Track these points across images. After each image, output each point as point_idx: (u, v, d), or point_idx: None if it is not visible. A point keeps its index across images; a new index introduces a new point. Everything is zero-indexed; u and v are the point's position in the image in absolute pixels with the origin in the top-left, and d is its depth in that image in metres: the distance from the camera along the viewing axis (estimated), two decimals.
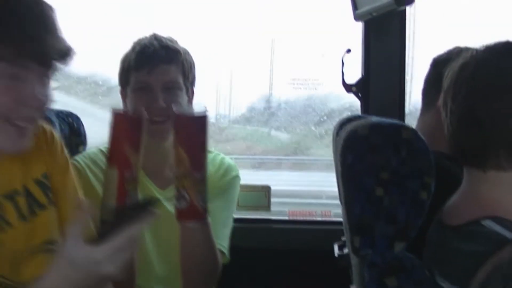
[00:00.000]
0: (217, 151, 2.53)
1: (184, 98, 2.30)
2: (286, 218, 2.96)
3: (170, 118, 2.22)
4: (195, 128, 1.83)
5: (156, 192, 2.32)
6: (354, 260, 1.75)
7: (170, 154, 2.29)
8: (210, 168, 2.36)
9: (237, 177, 2.44)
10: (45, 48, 1.53)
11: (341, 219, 2.42)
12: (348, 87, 2.70)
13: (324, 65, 2.84)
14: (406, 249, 1.60)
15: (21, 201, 1.66)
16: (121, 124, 1.78)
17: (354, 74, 2.70)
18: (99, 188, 2.23)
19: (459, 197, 1.62)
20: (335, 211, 2.92)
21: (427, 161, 1.60)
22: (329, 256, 2.30)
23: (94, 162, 2.32)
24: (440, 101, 1.65)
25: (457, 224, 1.54)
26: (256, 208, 2.82)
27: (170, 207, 2.25)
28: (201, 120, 1.84)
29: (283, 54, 2.94)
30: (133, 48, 2.31)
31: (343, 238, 2.31)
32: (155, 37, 2.31)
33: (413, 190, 1.58)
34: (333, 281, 2.10)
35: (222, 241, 2.26)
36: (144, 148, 2.24)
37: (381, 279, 1.55)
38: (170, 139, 2.22)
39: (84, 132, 2.42)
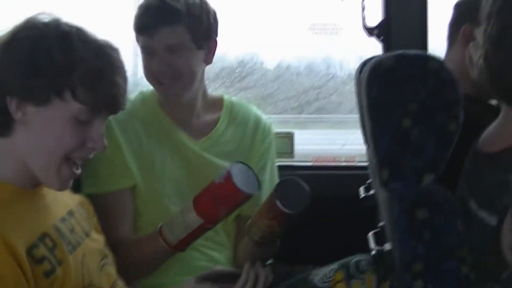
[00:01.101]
0: (244, 100, 2.54)
1: (193, 57, 2.27)
2: (310, 164, 2.94)
3: (178, 81, 2.22)
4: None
5: (190, 143, 2.32)
6: (382, 196, 1.72)
7: (195, 107, 2.31)
8: (245, 125, 2.38)
9: (273, 137, 2.46)
10: (122, 96, 1.63)
11: (365, 164, 2.41)
12: (369, 31, 2.67)
13: (344, 9, 2.81)
14: (436, 182, 1.57)
15: (78, 218, 1.77)
16: (231, 193, 1.99)
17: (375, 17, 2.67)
18: (124, 142, 2.24)
19: (494, 127, 1.60)
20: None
21: (455, 92, 1.56)
22: (354, 201, 2.28)
23: (123, 114, 2.30)
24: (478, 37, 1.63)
25: (492, 152, 1.52)
26: (280, 154, 2.80)
27: (205, 156, 2.27)
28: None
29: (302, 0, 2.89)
30: (139, 7, 2.26)
31: (369, 181, 2.29)
32: None
33: (441, 121, 1.54)
34: (359, 226, 2.08)
35: None
36: (171, 104, 2.28)
37: (411, 211, 1.52)
38: (187, 94, 2.24)
39: None
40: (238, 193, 1.99)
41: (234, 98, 2.50)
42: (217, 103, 2.43)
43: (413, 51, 1.62)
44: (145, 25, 2.22)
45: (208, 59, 2.33)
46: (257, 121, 2.43)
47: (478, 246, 1.51)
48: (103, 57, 1.60)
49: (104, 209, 2.03)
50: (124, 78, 1.65)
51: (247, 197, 2.02)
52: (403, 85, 1.55)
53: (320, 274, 2.07)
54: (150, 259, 2.15)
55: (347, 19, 2.81)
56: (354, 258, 2.05)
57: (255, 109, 2.49)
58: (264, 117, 2.49)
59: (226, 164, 2.27)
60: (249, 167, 2.07)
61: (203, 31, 2.27)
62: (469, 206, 1.54)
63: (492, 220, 1.44)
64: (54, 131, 1.58)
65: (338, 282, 1.99)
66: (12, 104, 1.56)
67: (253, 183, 2.05)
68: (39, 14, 1.62)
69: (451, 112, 1.55)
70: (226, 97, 2.47)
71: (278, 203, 2.04)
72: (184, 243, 2.09)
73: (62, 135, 1.58)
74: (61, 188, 1.66)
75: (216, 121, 2.39)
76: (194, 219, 2.04)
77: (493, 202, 1.46)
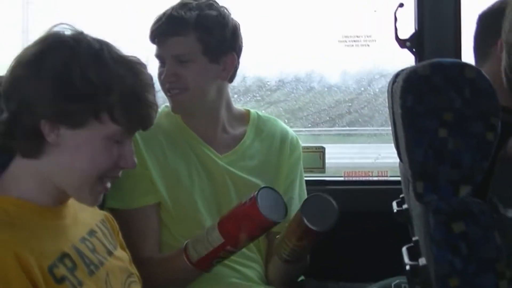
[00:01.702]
0: (270, 115, 2.52)
1: (201, 69, 2.24)
2: (341, 178, 2.91)
3: (184, 92, 2.21)
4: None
5: (215, 157, 2.30)
6: (416, 209, 1.68)
7: (219, 121, 2.29)
8: (271, 139, 2.36)
9: (300, 152, 2.43)
10: (155, 114, 1.63)
11: (398, 179, 2.36)
12: (402, 42, 2.65)
13: (377, 21, 2.78)
14: (472, 194, 1.52)
15: (101, 237, 1.74)
16: (254, 217, 1.97)
17: (408, 29, 2.65)
18: (148, 157, 2.22)
19: None
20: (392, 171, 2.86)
21: (492, 101, 1.52)
22: (386, 216, 2.24)
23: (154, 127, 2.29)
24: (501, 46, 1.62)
25: None
26: (310, 169, 2.77)
27: (231, 170, 2.25)
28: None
29: (334, 11, 2.87)
30: (155, 17, 2.28)
31: (402, 195, 2.25)
32: (174, 6, 2.25)
33: (479, 131, 1.50)
34: (391, 241, 2.04)
35: None
36: (197, 116, 2.26)
37: (447, 224, 1.47)
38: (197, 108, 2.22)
39: None
40: (261, 218, 1.97)
41: (260, 112, 2.47)
42: (243, 117, 2.41)
43: (448, 60, 1.58)
44: (155, 33, 2.24)
45: (224, 75, 2.28)
46: (284, 135, 2.40)
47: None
48: (137, 75, 1.58)
49: (128, 226, 2.01)
50: (155, 95, 1.63)
51: (271, 223, 1.99)
52: (439, 94, 1.51)
53: None
54: (175, 277, 2.12)
55: (380, 31, 2.78)
56: (394, 281, 2.03)
57: (281, 123, 2.47)
58: (291, 131, 2.46)
59: (252, 178, 2.25)
60: (278, 193, 2.05)
61: (216, 44, 2.24)
62: (499, 211, 1.50)
63: None
64: (89, 152, 1.56)
65: None
66: (46, 127, 1.53)
67: (280, 210, 2.02)
68: (59, 26, 1.60)
69: (489, 122, 1.50)
70: (252, 111, 2.45)
71: (305, 221, 2.01)
72: (206, 262, 2.06)
73: (97, 156, 1.57)
74: (94, 204, 1.66)
75: (242, 135, 2.37)
76: (215, 238, 2.02)
77: None
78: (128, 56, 1.61)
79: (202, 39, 2.21)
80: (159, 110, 2.32)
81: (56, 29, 1.60)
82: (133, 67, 1.59)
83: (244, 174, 2.29)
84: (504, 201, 1.49)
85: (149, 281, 1.94)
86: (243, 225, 1.99)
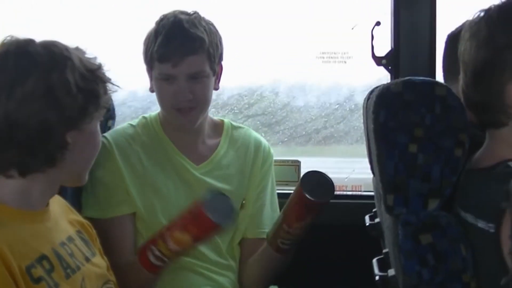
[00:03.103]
0: (240, 123, 2.55)
1: (210, 84, 2.28)
2: None
3: (196, 107, 2.24)
4: (212, 232, 2.02)
5: (191, 168, 2.32)
6: (387, 222, 1.73)
7: (201, 132, 2.32)
8: (245, 149, 2.39)
9: (272, 161, 2.46)
10: None
11: (372, 193, 2.41)
12: (378, 60, 2.69)
13: (354, 38, 2.82)
14: (440, 207, 1.57)
15: (78, 244, 1.78)
16: (202, 223, 1.96)
17: (384, 47, 2.69)
18: (124, 168, 2.25)
19: (484, 149, 1.65)
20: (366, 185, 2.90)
21: (462, 118, 1.57)
22: (360, 230, 2.28)
23: (125, 139, 2.31)
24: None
25: (486, 166, 1.56)
26: (286, 182, 2.80)
27: (207, 180, 2.28)
28: (219, 228, 2.00)
29: (312, 28, 2.91)
30: (156, 33, 2.25)
31: (374, 210, 2.29)
32: (178, 21, 2.23)
33: (448, 147, 1.56)
34: (363, 253, 2.08)
35: None
36: (179, 129, 2.29)
37: (415, 236, 1.53)
38: (200, 122, 2.26)
39: (113, 107, 2.41)
40: (205, 219, 1.96)
41: (234, 122, 2.50)
42: (217, 127, 2.44)
43: (420, 78, 1.63)
44: (168, 54, 2.20)
45: (217, 86, 2.34)
46: (257, 145, 2.44)
47: (480, 256, 1.52)
48: (95, 63, 1.68)
49: (105, 234, 2.02)
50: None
51: (214, 225, 1.97)
52: (410, 111, 1.56)
53: None
54: (137, 281, 2.11)
55: (356, 48, 2.82)
56: None
57: (254, 132, 2.50)
58: (264, 139, 2.50)
59: (227, 187, 2.29)
60: (229, 199, 2.03)
61: (218, 57, 2.29)
62: (468, 222, 1.54)
63: (491, 228, 1.44)
64: (95, 139, 1.72)
65: None
66: (68, 138, 1.62)
67: (228, 215, 2.00)
68: (9, 38, 1.64)
69: (458, 138, 1.56)
70: (225, 120, 2.47)
71: (307, 195, 2.11)
72: (143, 254, 2.09)
73: (98, 140, 1.73)
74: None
75: (216, 145, 2.40)
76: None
77: (490, 211, 1.46)
78: (77, 48, 1.69)
79: (209, 55, 2.24)
80: (136, 121, 2.37)
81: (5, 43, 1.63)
82: (91, 59, 1.69)
83: (220, 183, 2.32)
84: (473, 212, 1.53)
85: (124, 286, 1.96)
86: (181, 217, 2.03)
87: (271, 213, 2.39)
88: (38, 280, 1.53)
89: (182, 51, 2.20)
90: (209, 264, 2.22)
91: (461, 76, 1.65)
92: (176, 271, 2.19)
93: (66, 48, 1.64)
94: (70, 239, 1.74)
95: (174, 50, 2.20)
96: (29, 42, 1.61)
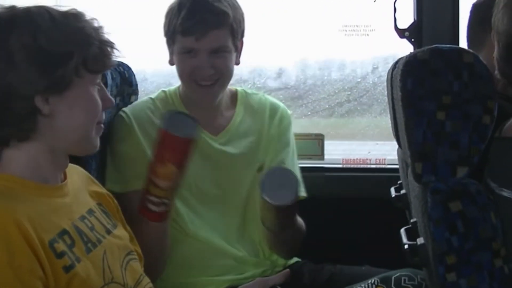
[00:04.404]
0: (256, 91, 2.55)
1: (231, 59, 2.29)
2: (339, 165, 2.94)
3: (217, 82, 2.23)
4: (186, 148, 1.95)
5: (210, 140, 2.33)
6: (415, 191, 1.72)
7: (220, 105, 2.32)
8: (262, 113, 2.39)
9: (291, 121, 2.45)
10: (113, 53, 1.70)
11: (395, 167, 2.40)
12: (401, 32, 2.68)
13: (376, 10, 2.81)
14: (468, 176, 1.57)
15: (99, 216, 1.78)
16: (173, 144, 1.93)
17: (407, 19, 2.68)
18: (145, 141, 2.25)
19: None
20: (390, 158, 2.90)
21: (489, 85, 1.56)
22: (384, 203, 2.28)
23: (144, 113, 2.32)
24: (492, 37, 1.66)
25: None
26: (309, 156, 2.81)
27: (225, 149, 2.28)
28: (190, 142, 1.95)
29: (333, 1, 2.90)
30: (180, 6, 2.24)
31: (399, 182, 2.29)
32: None
33: (476, 114, 1.54)
34: (388, 225, 2.08)
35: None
36: (199, 103, 2.29)
37: (445, 204, 1.52)
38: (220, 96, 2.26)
39: (136, 82, 2.42)
40: (173, 139, 1.94)
41: (248, 90, 2.51)
42: (232, 96, 2.45)
43: (447, 45, 1.62)
44: (192, 27, 2.20)
45: (238, 61, 2.35)
46: (274, 108, 2.43)
47: (508, 225, 1.52)
48: (88, 22, 1.65)
49: (126, 208, 2.02)
50: (107, 34, 1.69)
51: (184, 140, 1.94)
52: (437, 78, 1.55)
53: (362, 286, 2.07)
54: (147, 237, 2.05)
55: (379, 21, 2.81)
56: (395, 274, 2.05)
57: (271, 98, 2.50)
58: (282, 104, 2.50)
59: (248, 154, 2.29)
60: (181, 112, 2.04)
61: (240, 33, 2.30)
62: (495, 192, 1.54)
63: None
64: (82, 107, 1.63)
65: None
66: (39, 102, 1.58)
67: (190, 124, 1.96)
68: None
69: (486, 105, 1.55)
70: (239, 89, 2.48)
71: (264, 196, 1.97)
72: (141, 201, 2.03)
73: (90, 107, 1.65)
74: (96, 148, 1.72)
75: (233, 114, 2.41)
76: None
77: None
78: (70, 10, 1.66)
79: (233, 30, 2.25)
80: (155, 94, 2.37)
81: None
82: (81, 17, 1.65)
83: (240, 151, 2.33)
84: (498, 181, 1.52)
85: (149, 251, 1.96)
86: (154, 153, 1.99)
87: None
88: (61, 254, 1.53)
89: (206, 24, 2.20)
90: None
91: (495, 45, 1.64)
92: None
93: (34, 9, 1.61)
94: (90, 212, 1.74)
95: (198, 23, 2.20)
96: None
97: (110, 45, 1.67)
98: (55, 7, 1.64)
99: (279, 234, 2.21)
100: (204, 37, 2.20)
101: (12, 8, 1.61)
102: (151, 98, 2.38)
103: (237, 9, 2.28)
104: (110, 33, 1.68)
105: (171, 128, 1.92)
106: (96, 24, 1.66)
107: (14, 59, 1.54)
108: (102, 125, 1.71)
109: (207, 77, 2.24)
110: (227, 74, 2.28)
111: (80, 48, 1.60)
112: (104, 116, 1.72)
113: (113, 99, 1.74)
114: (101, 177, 2.18)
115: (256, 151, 2.37)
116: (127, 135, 2.24)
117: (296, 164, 2.42)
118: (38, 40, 1.56)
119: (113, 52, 1.68)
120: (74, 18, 1.63)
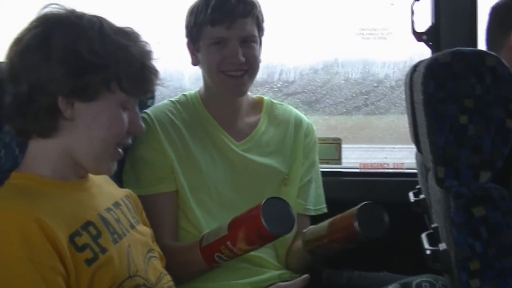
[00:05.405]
0: (281, 102, 2.54)
1: (259, 50, 2.30)
2: (357, 170, 2.92)
3: (246, 73, 2.23)
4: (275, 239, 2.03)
5: (232, 145, 2.32)
6: (437, 195, 1.70)
7: (241, 109, 2.32)
8: (286, 125, 2.38)
9: (316, 140, 2.45)
10: (155, 81, 1.72)
11: (414, 171, 2.38)
12: (418, 36, 2.66)
13: (394, 14, 2.80)
14: (492, 180, 1.55)
15: (125, 210, 1.80)
16: (254, 223, 1.93)
17: (424, 22, 2.67)
18: (167, 143, 2.24)
19: None
20: (407, 162, 2.88)
21: None
22: (402, 207, 2.26)
23: (165, 115, 2.31)
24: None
25: None
26: (326, 160, 2.79)
27: (248, 156, 2.27)
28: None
29: (351, 4, 2.88)
30: (206, 0, 2.26)
31: (418, 186, 2.27)
32: None
33: (499, 118, 1.52)
34: (406, 231, 2.06)
35: (323, 201, 2.43)
36: (220, 101, 2.29)
37: (468, 209, 1.50)
38: (247, 88, 2.26)
39: None
40: (259, 225, 1.93)
41: (274, 100, 2.50)
42: (257, 105, 2.44)
43: (468, 48, 1.60)
44: (222, 16, 2.22)
45: (260, 56, 2.34)
46: (298, 121, 2.43)
47: None
48: (137, 44, 1.66)
49: (146, 212, 2.01)
50: (154, 61, 1.70)
51: (268, 233, 1.94)
52: (459, 81, 1.53)
53: None
54: (187, 267, 2.11)
55: (396, 24, 2.79)
56: (416, 280, 2.04)
57: (295, 110, 2.50)
58: (305, 117, 2.50)
59: (269, 163, 2.28)
60: (288, 205, 1.98)
61: (263, 28, 2.32)
62: None
63: None
64: (105, 121, 1.64)
65: None
66: (63, 104, 1.60)
67: (285, 223, 1.96)
68: (49, 6, 1.66)
69: (509, 108, 1.53)
70: (265, 98, 2.48)
71: (358, 229, 2.03)
72: (209, 251, 2.05)
73: (113, 124, 1.65)
74: (111, 171, 1.72)
75: (256, 122, 2.40)
76: (223, 230, 2.02)
77: None
78: (124, 27, 1.68)
79: (258, 20, 2.28)
80: (176, 98, 2.36)
81: (47, 9, 1.66)
82: (132, 36, 1.67)
83: (262, 160, 2.32)
84: None
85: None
86: (245, 226, 1.97)
87: (316, 190, 2.38)
88: (82, 248, 1.54)
89: (236, 13, 2.22)
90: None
91: None
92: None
93: (87, 16, 1.64)
94: (116, 204, 1.76)
95: (227, 12, 2.22)
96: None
97: (153, 72, 1.67)
98: (112, 22, 1.67)
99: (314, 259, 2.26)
100: (234, 26, 2.22)
101: (69, 11, 1.65)
102: (171, 101, 2.38)
103: (259, 4, 2.30)
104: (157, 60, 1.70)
105: (269, 222, 1.92)
106: (146, 48, 1.67)
107: (51, 56, 1.57)
108: (121, 151, 1.70)
109: (237, 66, 2.24)
110: (255, 65, 2.29)
111: (117, 64, 1.61)
112: (129, 141, 1.72)
113: (143, 126, 1.73)
114: (118, 183, 2.16)
115: (279, 162, 2.36)
116: (148, 137, 2.23)
117: (319, 180, 2.46)
118: (78, 45, 1.58)
119: (154, 80, 1.69)
120: (123, 35, 1.65)
